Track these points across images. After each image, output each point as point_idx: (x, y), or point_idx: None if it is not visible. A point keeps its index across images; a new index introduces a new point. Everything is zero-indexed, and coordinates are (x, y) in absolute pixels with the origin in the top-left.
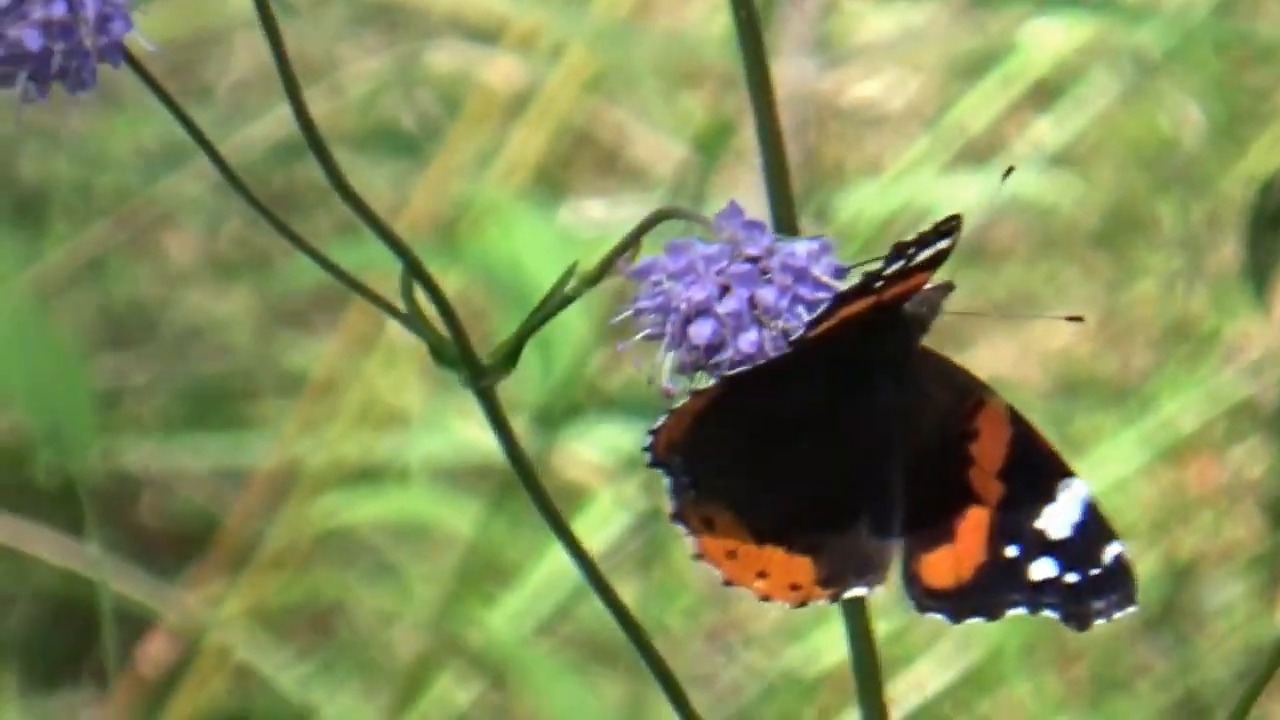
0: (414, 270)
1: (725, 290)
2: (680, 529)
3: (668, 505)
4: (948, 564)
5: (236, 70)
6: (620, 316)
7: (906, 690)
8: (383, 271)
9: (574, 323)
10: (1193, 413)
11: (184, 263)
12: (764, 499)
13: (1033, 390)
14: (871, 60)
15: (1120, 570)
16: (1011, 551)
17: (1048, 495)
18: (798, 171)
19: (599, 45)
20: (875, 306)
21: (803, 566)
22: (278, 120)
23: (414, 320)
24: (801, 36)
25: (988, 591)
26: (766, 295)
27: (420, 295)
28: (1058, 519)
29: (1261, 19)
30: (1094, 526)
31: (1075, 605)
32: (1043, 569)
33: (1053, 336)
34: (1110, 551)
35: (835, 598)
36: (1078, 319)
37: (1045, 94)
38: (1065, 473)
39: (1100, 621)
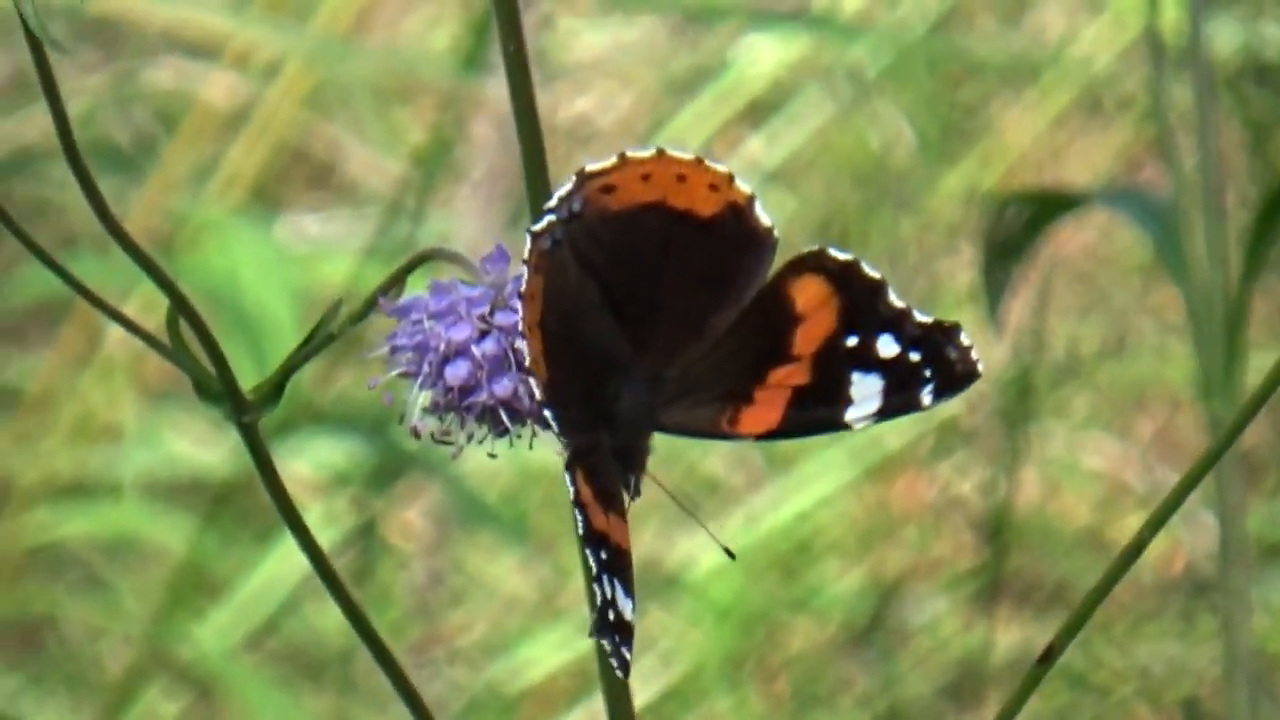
0: (179, 305)
1: (485, 333)
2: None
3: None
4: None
5: None
6: (376, 352)
7: None
8: (99, 288)
9: (291, 337)
10: (899, 430)
11: None
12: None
13: None
14: (585, 77)
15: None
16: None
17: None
18: (511, 188)
19: (316, 61)
20: None
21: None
22: None
23: (179, 355)
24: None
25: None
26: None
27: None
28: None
29: (974, 35)
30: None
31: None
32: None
33: None
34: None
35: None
36: None
37: (760, 111)
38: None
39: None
